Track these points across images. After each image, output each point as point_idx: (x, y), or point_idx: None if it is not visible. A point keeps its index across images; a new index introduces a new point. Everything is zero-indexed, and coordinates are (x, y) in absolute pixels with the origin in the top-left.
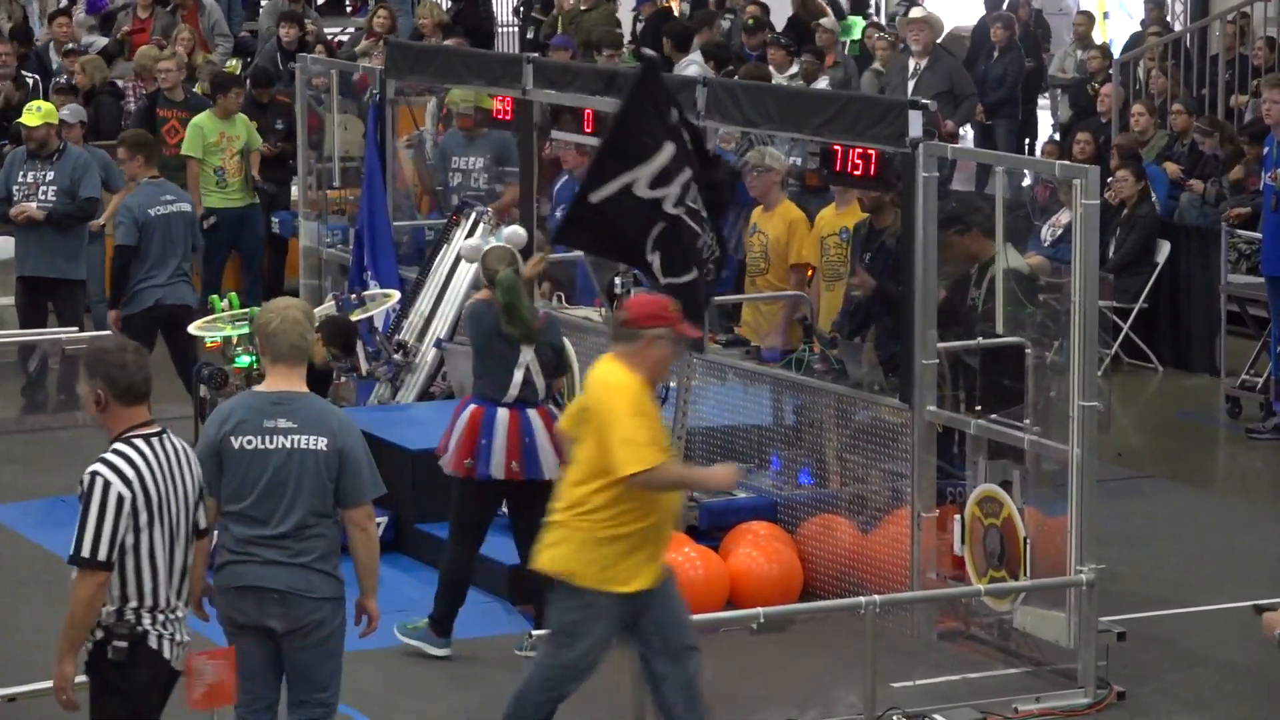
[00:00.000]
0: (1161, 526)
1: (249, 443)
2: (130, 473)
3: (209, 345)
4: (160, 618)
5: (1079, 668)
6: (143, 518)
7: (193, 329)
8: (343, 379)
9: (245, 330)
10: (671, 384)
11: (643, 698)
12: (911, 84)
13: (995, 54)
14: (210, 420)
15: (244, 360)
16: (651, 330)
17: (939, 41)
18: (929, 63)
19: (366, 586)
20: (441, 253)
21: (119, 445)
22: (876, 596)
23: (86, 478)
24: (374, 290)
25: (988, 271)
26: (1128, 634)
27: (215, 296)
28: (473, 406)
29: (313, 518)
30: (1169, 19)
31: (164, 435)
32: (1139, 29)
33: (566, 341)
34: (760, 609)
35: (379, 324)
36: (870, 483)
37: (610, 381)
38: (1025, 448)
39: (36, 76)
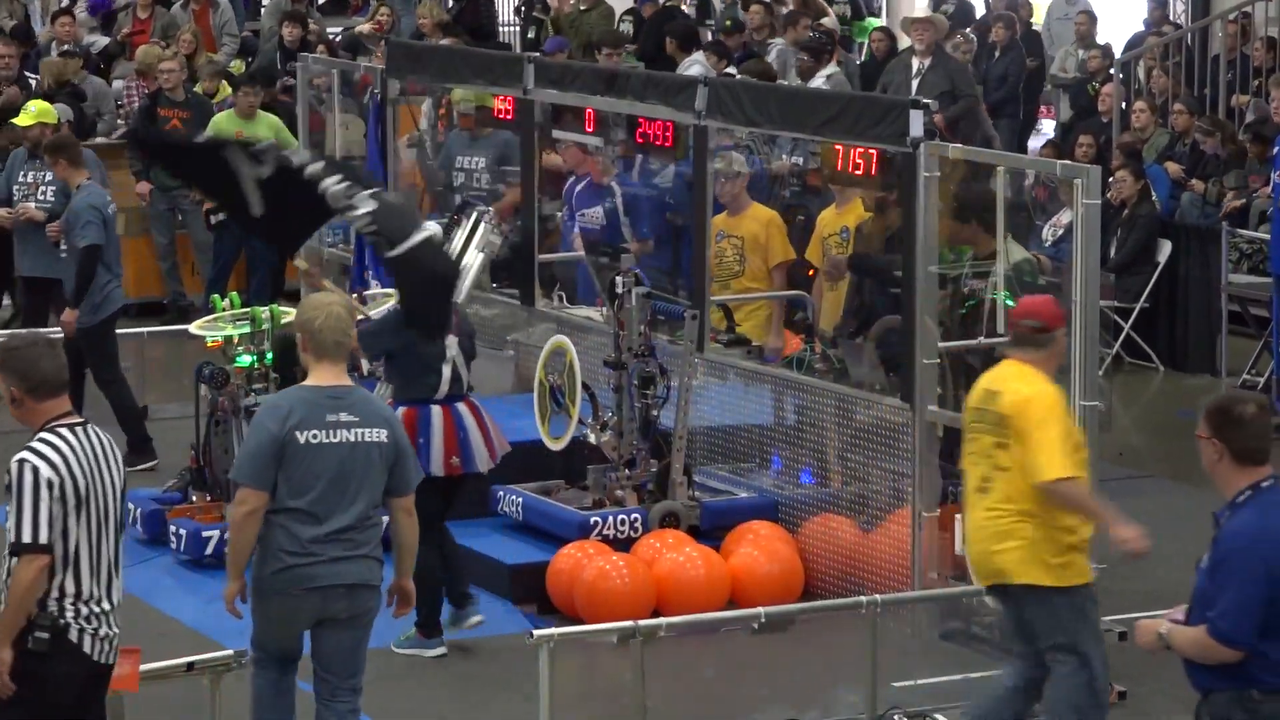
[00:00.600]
0: (1162, 526)
1: (314, 437)
2: (56, 458)
3: (210, 345)
4: (84, 610)
5: None
6: (70, 504)
7: (193, 328)
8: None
9: (246, 330)
10: (673, 383)
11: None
12: (915, 84)
13: (997, 53)
14: (265, 416)
15: (245, 360)
16: (1060, 330)
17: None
18: (931, 62)
19: (405, 568)
20: None
21: (44, 434)
22: (878, 596)
23: (14, 466)
24: (375, 290)
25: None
26: (1128, 634)
27: (217, 296)
28: (403, 410)
29: (371, 509)
30: (1171, 18)
31: (87, 426)
32: (1140, 28)
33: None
34: (761, 608)
35: None
36: (871, 482)
37: (1031, 391)
38: None
39: (38, 78)
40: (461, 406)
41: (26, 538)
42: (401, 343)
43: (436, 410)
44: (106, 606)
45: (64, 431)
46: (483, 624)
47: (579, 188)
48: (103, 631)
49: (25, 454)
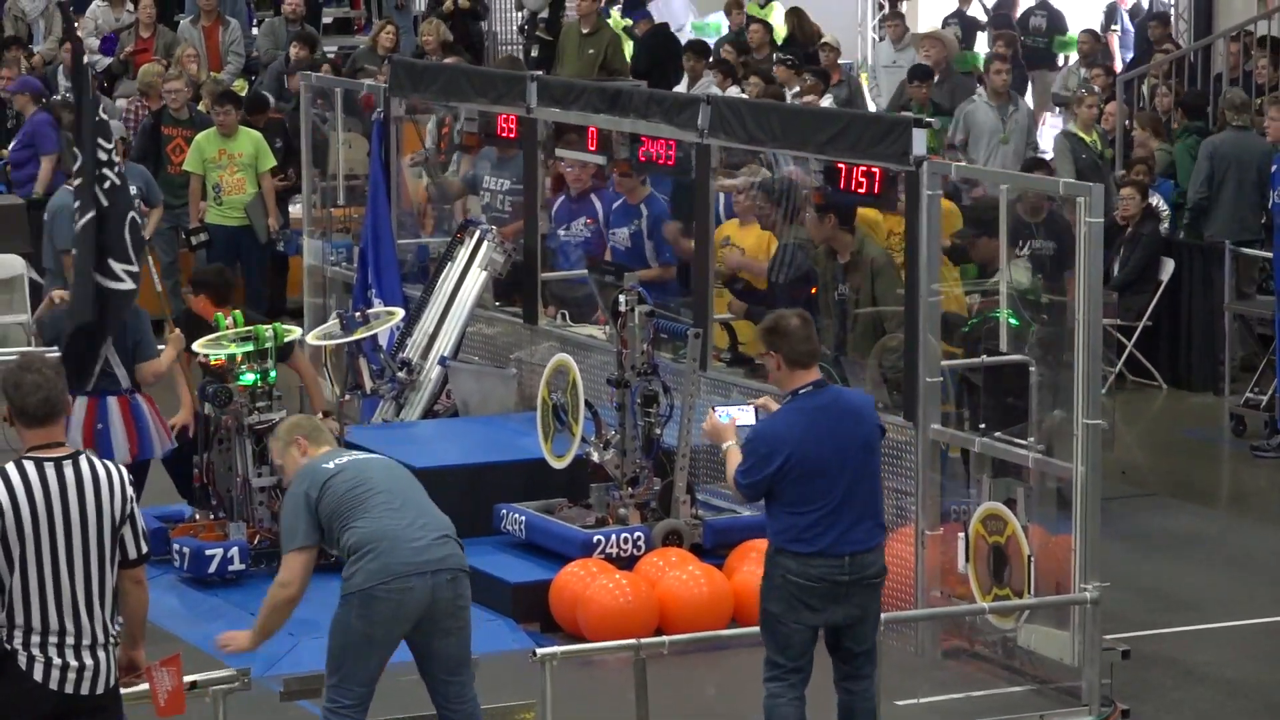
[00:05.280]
0: (1165, 544)
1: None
2: (2, 493)
3: (213, 363)
4: (36, 639)
5: (1083, 686)
6: (12, 538)
7: (197, 347)
8: (348, 397)
9: (249, 348)
10: (676, 401)
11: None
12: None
13: None
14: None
15: (248, 378)
16: None
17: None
18: (938, 79)
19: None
20: (446, 271)
21: (7, 464)
22: (881, 614)
23: None
24: (378, 308)
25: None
26: (1132, 652)
27: (220, 315)
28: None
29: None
30: (1173, 36)
31: (74, 459)
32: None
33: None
34: None
35: (383, 342)
36: None
37: None
38: (1029, 465)
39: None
40: (111, 400)
41: None
42: (57, 334)
43: (80, 400)
44: (73, 640)
45: (28, 465)
46: None
47: (615, 205)
48: (70, 661)
49: None
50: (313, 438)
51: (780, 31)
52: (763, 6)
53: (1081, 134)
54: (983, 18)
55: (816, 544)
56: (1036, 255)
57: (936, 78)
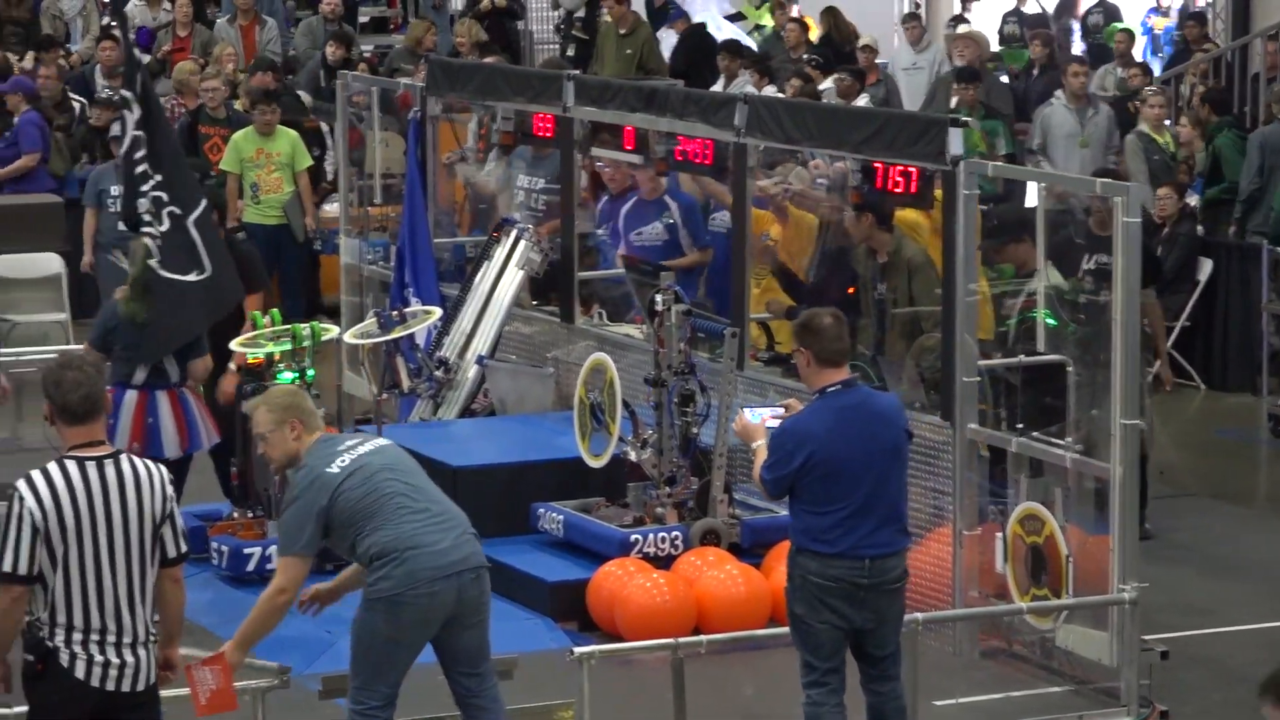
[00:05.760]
0: (1204, 545)
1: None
2: (45, 492)
3: (251, 362)
4: (78, 637)
5: (1121, 686)
6: (54, 538)
7: (234, 345)
8: (385, 396)
9: (286, 347)
10: (713, 400)
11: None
12: (954, 101)
13: (1036, 71)
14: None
15: (285, 377)
16: None
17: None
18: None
19: None
20: (483, 270)
21: (49, 464)
22: (919, 614)
23: (11, 490)
24: (415, 307)
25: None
26: (1170, 653)
27: (256, 313)
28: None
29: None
30: (1210, 36)
31: (115, 458)
32: (1182, 45)
33: None
34: None
35: (420, 341)
36: (912, 500)
37: None
38: (1067, 466)
39: (83, 100)
40: (160, 395)
41: (4, 567)
42: (109, 327)
43: (131, 394)
44: (114, 638)
45: (69, 464)
46: None
47: (626, 207)
48: (111, 658)
49: (20, 481)
50: (307, 423)
51: (814, 30)
52: (758, 8)
53: (1153, 134)
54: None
55: (837, 545)
56: (1101, 269)
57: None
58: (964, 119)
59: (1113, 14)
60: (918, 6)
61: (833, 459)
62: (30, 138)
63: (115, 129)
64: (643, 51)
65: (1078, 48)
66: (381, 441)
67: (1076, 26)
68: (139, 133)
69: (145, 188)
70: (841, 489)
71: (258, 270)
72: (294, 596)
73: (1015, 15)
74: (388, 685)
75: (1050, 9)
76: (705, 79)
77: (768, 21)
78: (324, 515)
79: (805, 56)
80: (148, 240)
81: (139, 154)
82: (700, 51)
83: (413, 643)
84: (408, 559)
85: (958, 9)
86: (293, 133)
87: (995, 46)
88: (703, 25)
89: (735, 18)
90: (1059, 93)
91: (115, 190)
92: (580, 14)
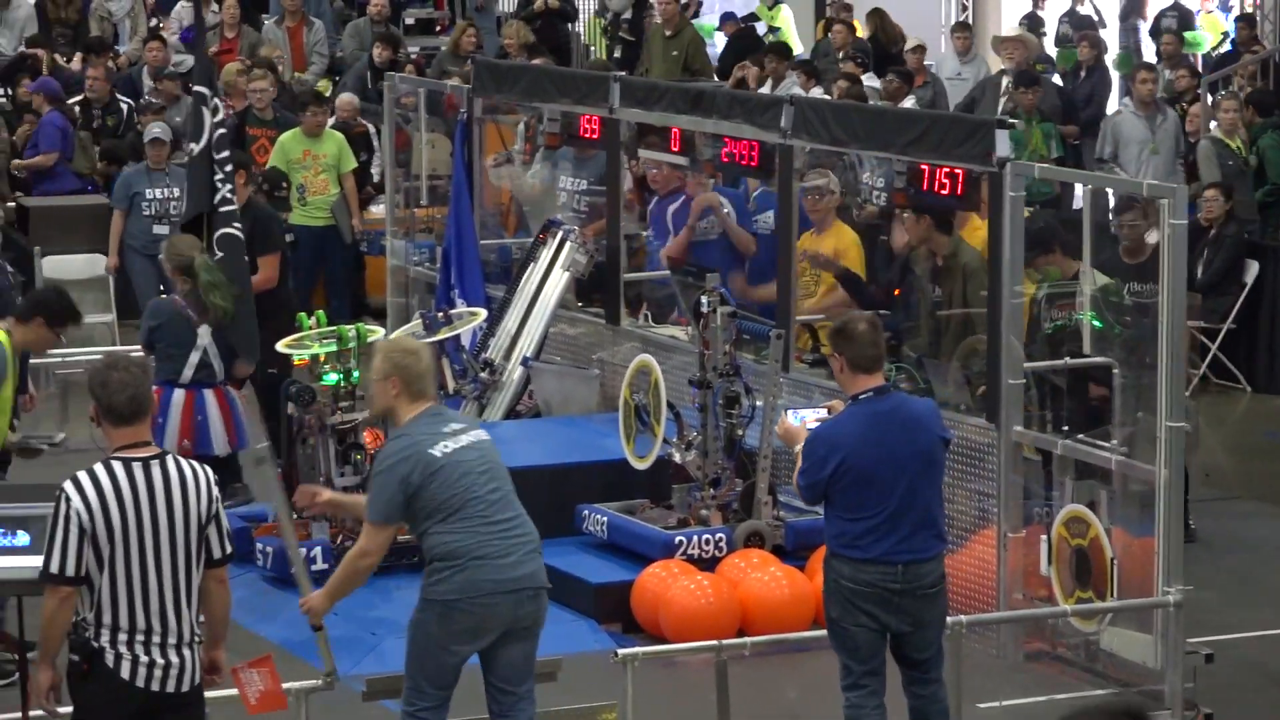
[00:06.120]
0: (1249, 547)
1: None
2: (92, 493)
3: (297, 363)
4: (124, 637)
5: (1166, 689)
6: (101, 539)
7: (280, 346)
8: None
9: (332, 348)
10: (758, 402)
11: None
12: (1003, 101)
13: (1083, 73)
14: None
15: (331, 378)
16: None
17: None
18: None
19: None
20: (528, 271)
21: (96, 465)
22: (963, 617)
23: (59, 491)
24: (461, 309)
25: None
26: (1215, 655)
27: (303, 314)
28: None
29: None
30: (1259, 38)
31: (160, 459)
32: (1228, 48)
33: None
34: None
35: (466, 342)
36: (956, 503)
37: None
38: (1112, 468)
39: (130, 102)
40: (207, 393)
41: (52, 568)
42: (154, 325)
43: (179, 393)
44: (159, 638)
45: (116, 465)
46: None
47: (674, 207)
48: (157, 659)
49: (68, 481)
50: (410, 387)
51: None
52: (770, 9)
53: (1225, 139)
54: (1095, 17)
55: (870, 551)
56: (1139, 303)
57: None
58: (1012, 121)
59: (1187, 21)
60: (965, 10)
61: (864, 465)
62: (49, 138)
63: (156, 131)
64: (688, 52)
65: (1147, 49)
66: (481, 436)
67: (1144, 27)
68: (223, 130)
69: (220, 177)
70: (874, 495)
71: (273, 234)
72: (376, 562)
73: (1069, 16)
74: (437, 688)
75: (1105, 11)
76: (776, 80)
77: (780, 23)
78: (412, 492)
79: (844, 54)
80: (191, 238)
81: (223, 153)
82: (749, 53)
83: (461, 651)
84: (469, 567)
85: (1006, 18)
86: (339, 135)
87: (1051, 48)
88: (752, 28)
89: (749, 18)
90: (1126, 100)
91: (150, 194)
92: (627, 16)
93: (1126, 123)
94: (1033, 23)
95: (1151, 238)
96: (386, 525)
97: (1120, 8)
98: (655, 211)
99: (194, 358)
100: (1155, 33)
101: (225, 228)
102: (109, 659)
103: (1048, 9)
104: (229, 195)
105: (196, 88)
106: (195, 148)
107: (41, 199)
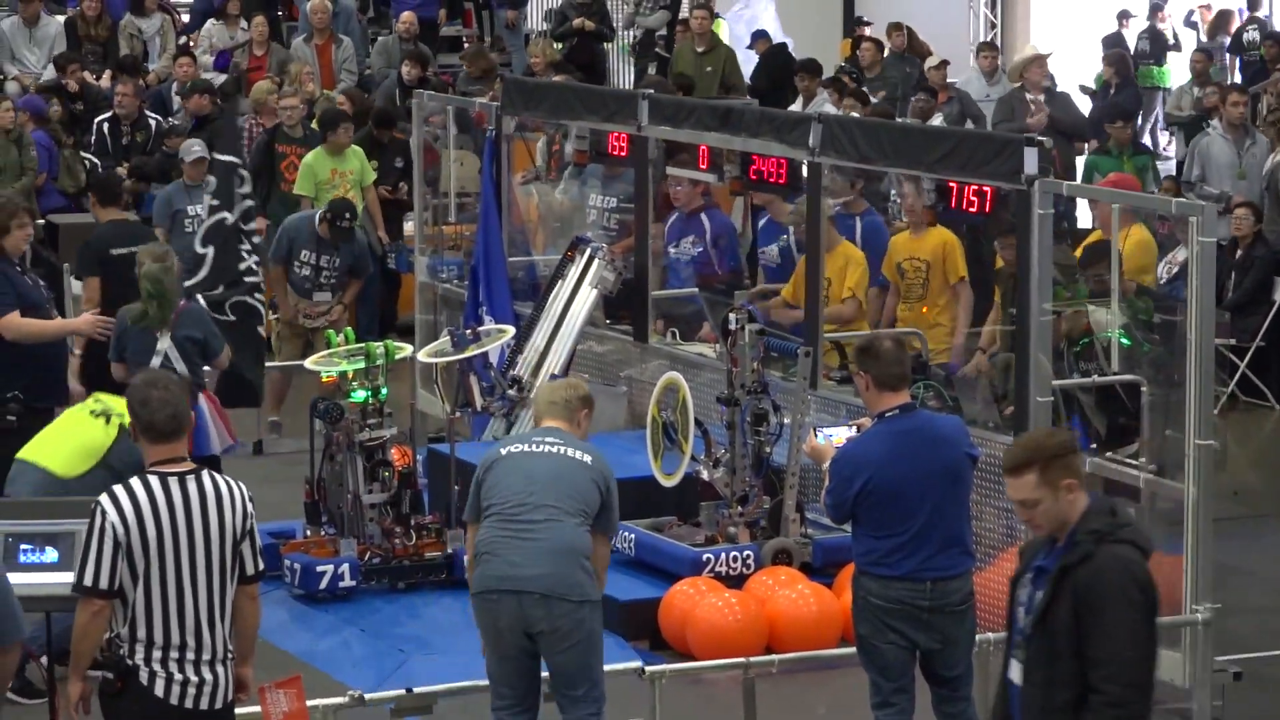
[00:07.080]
0: (1278, 566)
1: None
2: (128, 508)
3: (325, 380)
4: (158, 654)
5: (1194, 707)
6: (136, 553)
7: (309, 364)
8: (459, 414)
9: (360, 365)
10: (786, 420)
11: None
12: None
13: (1111, 91)
14: None
15: (359, 395)
16: None
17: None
18: (1045, 99)
19: None
20: (556, 288)
21: (133, 479)
22: (990, 634)
23: (94, 505)
24: (489, 325)
25: None
26: (1244, 674)
27: (331, 331)
28: None
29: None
30: None
31: (197, 474)
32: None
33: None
34: None
35: (494, 359)
36: (984, 520)
37: None
38: (1140, 486)
39: (159, 118)
40: (198, 394)
41: (86, 580)
42: (118, 334)
43: None
44: (193, 655)
45: (152, 480)
46: None
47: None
48: (190, 676)
49: (104, 495)
50: (543, 411)
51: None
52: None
53: None
54: (1170, 34)
55: (898, 569)
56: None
57: (1043, 98)
58: (1040, 138)
59: (1265, 28)
60: (993, 28)
61: (889, 484)
62: (36, 157)
63: (197, 150)
64: (724, 69)
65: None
66: (550, 446)
67: (1226, 41)
68: (250, 203)
69: (246, 248)
70: (900, 513)
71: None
72: (469, 559)
73: (1147, 33)
74: (506, 687)
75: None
76: (787, 100)
77: (722, 36)
78: (477, 489)
79: (839, 68)
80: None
81: (250, 225)
82: (783, 72)
83: (495, 648)
84: (481, 563)
85: (1032, 38)
86: (358, 148)
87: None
88: (784, 46)
89: (760, 34)
90: (1215, 123)
91: (192, 210)
92: (663, 33)
93: (1215, 145)
94: (1115, 40)
95: (1180, 255)
96: (469, 525)
97: (1208, 26)
98: (673, 229)
99: (155, 363)
100: (1240, 48)
101: (246, 296)
102: (143, 676)
103: (1130, 26)
104: (254, 266)
105: (227, 158)
106: (230, 217)
107: (73, 216)
